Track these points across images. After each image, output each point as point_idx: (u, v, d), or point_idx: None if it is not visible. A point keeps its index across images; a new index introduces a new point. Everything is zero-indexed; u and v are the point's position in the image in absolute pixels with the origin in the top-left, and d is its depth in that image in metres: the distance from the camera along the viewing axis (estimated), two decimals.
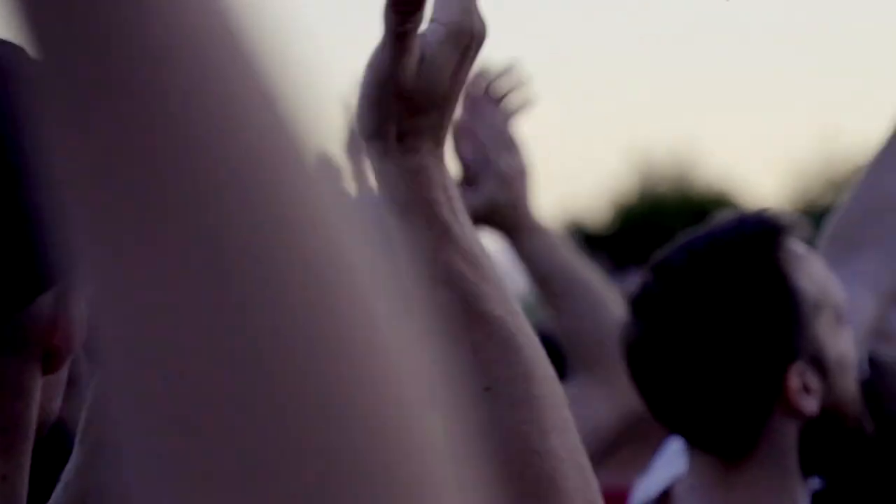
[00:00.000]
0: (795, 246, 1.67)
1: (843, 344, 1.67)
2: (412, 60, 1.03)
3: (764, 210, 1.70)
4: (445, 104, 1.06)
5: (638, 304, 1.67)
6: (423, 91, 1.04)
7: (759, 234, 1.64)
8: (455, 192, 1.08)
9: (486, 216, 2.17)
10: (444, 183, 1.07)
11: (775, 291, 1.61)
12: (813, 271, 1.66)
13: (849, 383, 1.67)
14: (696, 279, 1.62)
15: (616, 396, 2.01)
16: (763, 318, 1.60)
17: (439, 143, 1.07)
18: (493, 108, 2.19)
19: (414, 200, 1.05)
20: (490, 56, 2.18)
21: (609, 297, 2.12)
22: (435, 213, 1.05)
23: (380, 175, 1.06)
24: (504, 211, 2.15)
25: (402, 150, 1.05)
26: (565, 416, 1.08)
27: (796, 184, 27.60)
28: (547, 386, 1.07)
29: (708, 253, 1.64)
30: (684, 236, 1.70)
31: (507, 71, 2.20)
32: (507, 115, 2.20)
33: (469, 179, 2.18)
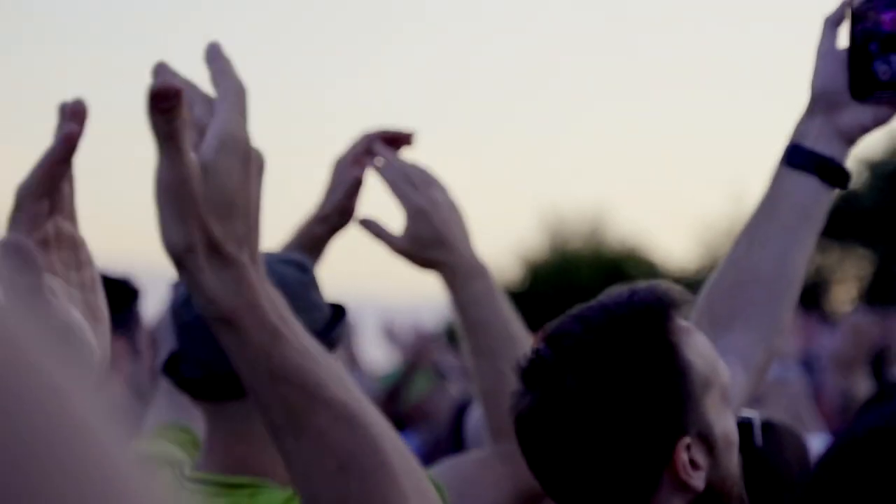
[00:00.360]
0: (683, 321, 1.67)
1: (729, 422, 1.67)
2: (191, 162, 1.07)
3: (655, 283, 1.69)
4: (245, 213, 1.10)
5: (529, 373, 1.65)
6: (214, 198, 1.07)
7: (651, 307, 1.64)
8: (278, 297, 1.13)
9: (413, 254, 2.15)
10: (265, 289, 1.12)
11: (666, 365, 1.61)
12: (701, 347, 1.66)
13: (733, 462, 1.66)
14: (588, 350, 1.61)
15: (518, 473, 1.94)
16: (654, 392, 1.60)
17: (253, 253, 1.11)
18: (392, 150, 2.18)
19: (240, 308, 1.09)
20: (398, 115, 2.20)
21: None
22: (262, 316, 1.10)
23: (201, 288, 1.09)
24: (431, 248, 2.13)
25: (219, 262, 1.09)
26: (422, 483, 1.18)
27: (706, 241, 27.94)
28: (398, 455, 1.16)
29: (600, 324, 1.63)
30: (575, 307, 1.69)
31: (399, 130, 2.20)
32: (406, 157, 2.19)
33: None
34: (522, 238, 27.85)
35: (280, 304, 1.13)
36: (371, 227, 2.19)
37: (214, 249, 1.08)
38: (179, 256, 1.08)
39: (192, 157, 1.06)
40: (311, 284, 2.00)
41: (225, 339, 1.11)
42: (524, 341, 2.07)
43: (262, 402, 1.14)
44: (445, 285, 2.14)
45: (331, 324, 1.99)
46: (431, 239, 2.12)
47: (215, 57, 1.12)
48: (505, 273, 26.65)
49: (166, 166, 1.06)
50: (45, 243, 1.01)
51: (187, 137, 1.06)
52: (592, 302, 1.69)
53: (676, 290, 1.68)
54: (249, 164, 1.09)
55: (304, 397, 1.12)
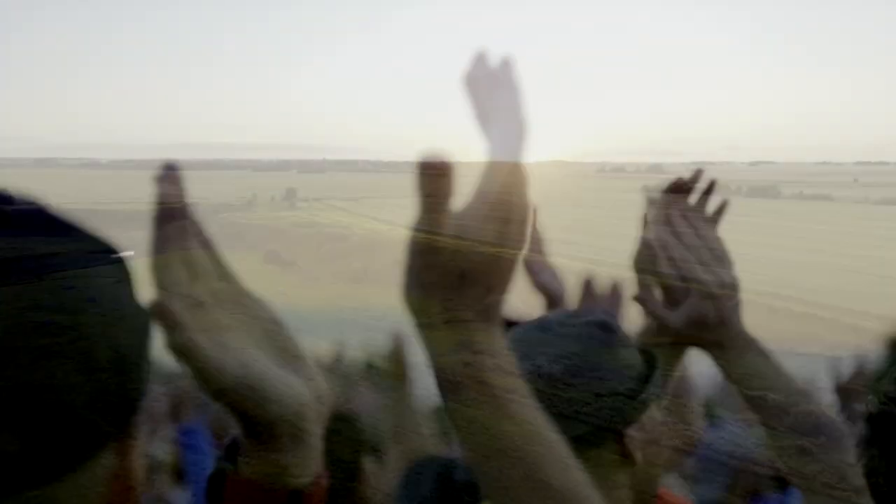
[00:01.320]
0: None
1: None
2: (448, 224, 1.03)
3: None
4: (487, 277, 1.05)
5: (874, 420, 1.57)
6: (460, 264, 1.04)
7: None
8: (511, 368, 1.08)
9: (687, 335, 2.00)
10: (496, 359, 1.06)
11: None
12: None
13: None
14: None
15: None
16: None
17: (488, 318, 1.06)
18: (697, 219, 2.03)
19: (463, 376, 1.06)
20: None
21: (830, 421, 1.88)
22: (485, 387, 1.06)
23: (429, 349, 1.07)
24: (710, 330, 1.96)
25: (450, 328, 1.05)
26: None
27: None
28: None
29: None
30: None
31: (697, 179, 2.05)
32: (711, 226, 2.04)
33: (672, 299, 2.03)
34: None
35: (511, 376, 1.08)
36: (647, 302, 2.04)
37: (447, 315, 1.05)
38: (415, 315, 1.06)
39: (450, 220, 1.03)
40: (617, 343, 1.90)
41: (447, 403, 1.08)
42: (811, 396, 1.89)
43: (475, 470, 1.09)
44: (715, 360, 1.97)
45: (643, 380, 1.88)
46: (713, 322, 1.95)
47: (506, 75, 1.08)
48: None
49: (423, 223, 1.03)
50: (199, 305, 0.94)
51: (450, 205, 1.02)
52: None
53: None
54: (509, 226, 1.05)
55: (518, 475, 1.07)
